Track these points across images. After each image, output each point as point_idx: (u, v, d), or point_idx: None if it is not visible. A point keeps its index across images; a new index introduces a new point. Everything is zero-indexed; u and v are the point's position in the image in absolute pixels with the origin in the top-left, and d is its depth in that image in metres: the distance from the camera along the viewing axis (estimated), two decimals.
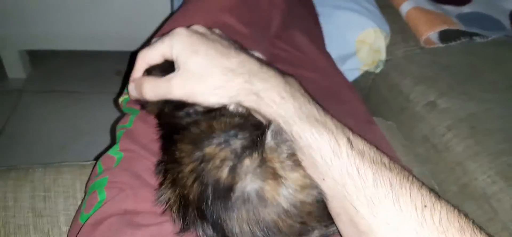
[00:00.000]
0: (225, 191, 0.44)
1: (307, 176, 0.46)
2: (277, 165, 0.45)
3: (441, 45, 1.18)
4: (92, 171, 0.64)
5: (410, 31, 1.25)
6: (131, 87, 0.57)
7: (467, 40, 1.19)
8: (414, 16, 1.24)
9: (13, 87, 1.74)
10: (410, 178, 0.43)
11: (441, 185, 0.95)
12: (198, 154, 0.47)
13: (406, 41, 1.23)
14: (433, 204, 0.40)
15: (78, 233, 0.53)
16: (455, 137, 0.94)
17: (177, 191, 0.48)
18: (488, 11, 1.31)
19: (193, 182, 0.46)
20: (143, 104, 0.61)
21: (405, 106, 1.09)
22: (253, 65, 0.50)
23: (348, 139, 0.45)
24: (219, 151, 0.46)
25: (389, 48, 1.22)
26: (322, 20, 1.07)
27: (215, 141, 0.47)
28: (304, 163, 0.46)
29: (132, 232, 0.50)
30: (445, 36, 1.19)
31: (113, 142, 0.63)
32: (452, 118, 0.97)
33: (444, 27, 1.19)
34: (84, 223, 0.53)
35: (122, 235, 0.50)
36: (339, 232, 0.47)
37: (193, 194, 0.46)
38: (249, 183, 0.44)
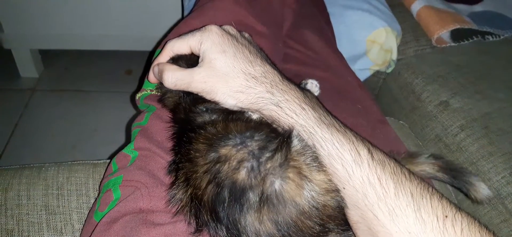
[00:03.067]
0: (243, 193, 0.44)
1: (332, 180, 0.46)
2: (303, 166, 0.45)
3: (453, 44, 1.17)
4: (105, 169, 0.64)
5: (421, 30, 1.24)
6: (155, 69, 0.58)
7: (479, 39, 1.18)
8: (425, 15, 1.23)
9: (25, 85, 1.76)
10: (430, 189, 0.43)
11: None
12: (213, 155, 0.47)
13: (417, 40, 1.22)
14: (454, 215, 0.41)
15: (92, 231, 0.54)
16: (468, 137, 0.93)
17: (189, 192, 0.48)
18: (500, 10, 1.29)
19: (208, 183, 0.46)
20: (161, 97, 0.62)
21: (417, 105, 1.08)
22: (276, 77, 0.51)
23: (369, 150, 0.46)
24: (236, 153, 0.46)
25: (400, 48, 1.21)
26: (333, 20, 1.07)
27: (231, 142, 0.47)
28: None
29: (147, 230, 0.50)
30: (457, 35, 1.18)
31: (127, 140, 0.63)
32: (465, 118, 0.96)
33: (456, 26, 1.18)
34: (99, 221, 0.54)
35: (137, 233, 0.50)
36: None
37: (207, 196, 0.46)
38: (269, 184, 0.44)
